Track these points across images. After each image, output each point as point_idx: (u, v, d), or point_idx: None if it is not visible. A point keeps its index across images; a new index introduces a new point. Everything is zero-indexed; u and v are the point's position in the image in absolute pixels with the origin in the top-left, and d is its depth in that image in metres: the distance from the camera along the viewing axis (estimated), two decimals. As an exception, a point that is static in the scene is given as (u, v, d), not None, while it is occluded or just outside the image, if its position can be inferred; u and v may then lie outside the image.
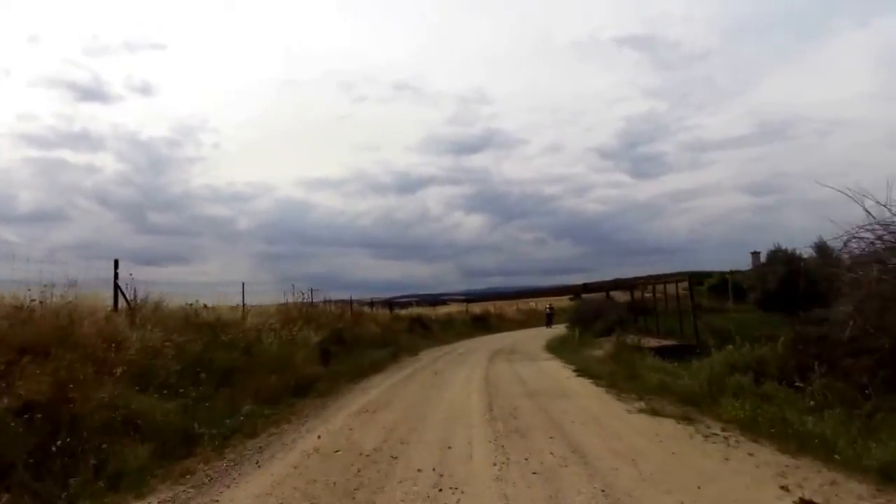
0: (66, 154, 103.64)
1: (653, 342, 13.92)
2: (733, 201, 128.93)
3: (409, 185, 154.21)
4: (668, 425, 5.88)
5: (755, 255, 35.61)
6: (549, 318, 31.94)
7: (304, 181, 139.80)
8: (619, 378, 9.16)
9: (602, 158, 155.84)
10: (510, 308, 40.19)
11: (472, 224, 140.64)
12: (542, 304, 45.57)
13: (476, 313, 31.74)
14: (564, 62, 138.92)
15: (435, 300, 44.98)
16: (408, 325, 21.52)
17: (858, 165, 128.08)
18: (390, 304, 24.37)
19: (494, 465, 4.61)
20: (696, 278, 21.84)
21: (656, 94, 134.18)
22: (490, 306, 35.37)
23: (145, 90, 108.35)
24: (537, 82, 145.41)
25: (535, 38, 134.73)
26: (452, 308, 31.11)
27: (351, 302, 19.30)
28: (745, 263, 29.78)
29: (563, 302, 49.25)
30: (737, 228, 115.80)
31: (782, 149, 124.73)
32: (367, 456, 5.00)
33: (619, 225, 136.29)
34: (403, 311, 25.01)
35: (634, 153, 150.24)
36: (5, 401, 4.14)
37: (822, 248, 9.38)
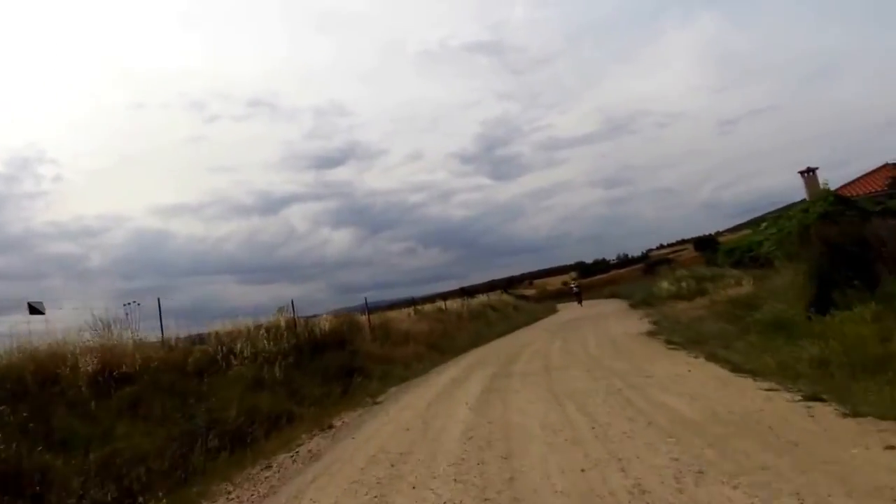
0: None
1: None
2: (588, 196, 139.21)
3: (271, 204, 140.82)
4: None
5: (809, 173, 21.37)
6: (578, 297, 32.94)
7: (159, 209, 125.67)
8: None
9: (463, 163, 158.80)
10: (399, 315, 20.25)
11: (340, 239, 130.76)
12: (452, 304, 26.60)
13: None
14: (418, 70, 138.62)
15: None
16: None
17: (692, 154, 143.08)
18: None
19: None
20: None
21: (509, 96, 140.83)
22: (357, 318, 14.96)
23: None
24: (393, 92, 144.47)
25: (386, 48, 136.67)
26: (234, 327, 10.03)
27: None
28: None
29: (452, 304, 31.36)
30: (595, 221, 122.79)
31: (627, 142, 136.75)
32: None
33: (484, 228, 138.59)
34: None
35: (493, 156, 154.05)
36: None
37: None
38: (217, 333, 9.87)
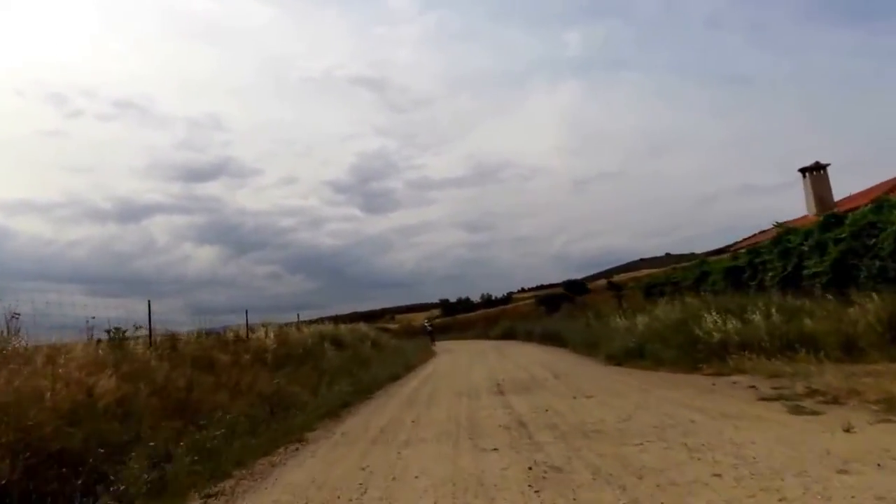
0: None
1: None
2: (452, 238, 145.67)
3: (132, 212, 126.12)
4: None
5: (816, 171, 15.44)
6: (431, 336, 29.27)
7: (1, 204, 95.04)
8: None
9: (336, 192, 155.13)
10: (87, 353, 7.85)
11: (203, 257, 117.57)
12: (262, 334, 14.57)
13: None
14: (300, 96, 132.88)
15: None
16: None
17: (549, 208, 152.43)
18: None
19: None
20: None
21: (387, 133, 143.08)
22: None
23: None
24: (273, 113, 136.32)
25: (271, 70, 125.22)
26: None
27: None
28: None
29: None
30: (457, 262, 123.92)
31: (493, 190, 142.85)
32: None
33: (352, 259, 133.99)
34: None
35: (367, 188, 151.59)
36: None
37: None
38: None
